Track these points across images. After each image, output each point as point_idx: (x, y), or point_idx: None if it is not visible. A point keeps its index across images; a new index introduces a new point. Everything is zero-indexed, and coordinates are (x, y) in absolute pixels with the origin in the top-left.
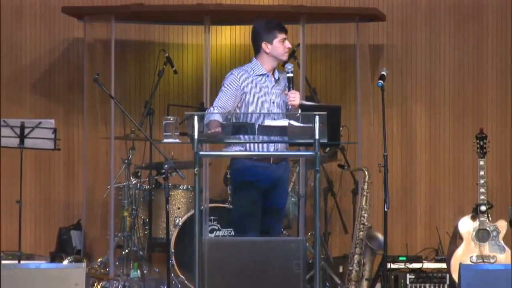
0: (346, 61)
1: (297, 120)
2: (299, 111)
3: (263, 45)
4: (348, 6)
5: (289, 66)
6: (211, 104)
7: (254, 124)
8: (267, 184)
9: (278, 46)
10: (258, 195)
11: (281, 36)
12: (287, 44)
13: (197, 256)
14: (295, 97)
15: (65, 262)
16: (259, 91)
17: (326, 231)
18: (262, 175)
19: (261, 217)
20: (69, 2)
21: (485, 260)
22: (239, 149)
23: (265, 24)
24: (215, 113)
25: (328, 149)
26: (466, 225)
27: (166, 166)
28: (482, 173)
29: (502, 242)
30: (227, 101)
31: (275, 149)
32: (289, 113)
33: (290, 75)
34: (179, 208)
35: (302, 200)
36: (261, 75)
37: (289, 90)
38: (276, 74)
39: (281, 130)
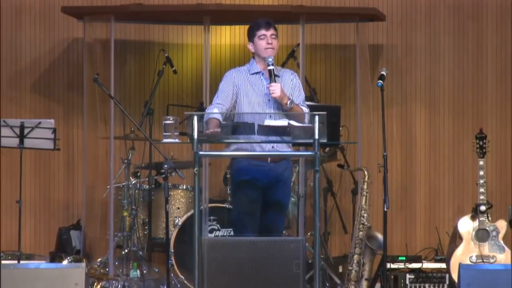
0: (346, 61)
1: (293, 118)
2: (288, 104)
3: (249, 46)
4: (347, 6)
5: (269, 59)
6: (211, 103)
7: (253, 124)
8: (266, 182)
9: (259, 43)
10: (256, 194)
11: (260, 32)
12: (268, 39)
13: (196, 256)
14: (274, 90)
15: (65, 262)
16: (252, 89)
17: (326, 231)
18: (259, 174)
19: (263, 213)
20: (69, 2)
21: (484, 260)
22: (237, 148)
23: (250, 25)
24: (214, 112)
25: (327, 149)
26: (466, 225)
27: (165, 166)
28: (481, 173)
29: (501, 242)
30: (225, 97)
31: (271, 146)
32: (281, 112)
33: (271, 67)
34: (178, 208)
35: (301, 200)
36: (255, 73)
37: (270, 82)
38: (275, 72)
39: (281, 130)
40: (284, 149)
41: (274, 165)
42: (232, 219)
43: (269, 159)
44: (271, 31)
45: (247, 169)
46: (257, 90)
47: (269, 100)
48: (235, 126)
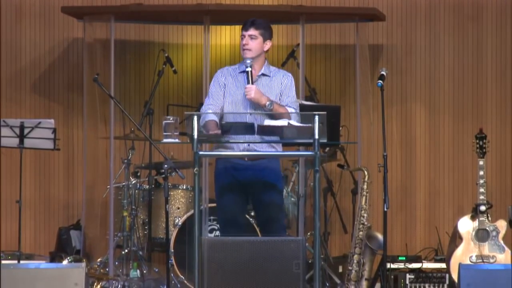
0: (346, 61)
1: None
2: (267, 105)
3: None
4: (347, 6)
5: (247, 61)
6: (203, 105)
7: (253, 124)
8: (242, 180)
9: (240, 43)
10: (235, 194)
11: (242, 32)
12: (244, 40)
13: (196, 256)
14: (248, 91)
15: (65, 262)
16: (235, 87)
17: (326, 231)
18: (236, 172)
19: (257, 215)
20: (69, 2)
21: (484, 260)
22: (218, 146)
23: None
24: (209, 113)
25: (327, 149)
26: (466, 225)
27: (165, 166)
28: (481, 173)
29: (501, 242)
30: (216, 98)
31: (248, 145)
32: (259, 112)
33: (248, 69)
34: (178, 208)
35: (301, 200)
36: (242, 72)
37: (247, 84)
38: (263, 71)
39: (281, 130)
40: (263, 149)
41: (251, 163)
42: (218, 220)
43: (246, 158)
44: (250, 31)
45: (225, 168)
46: (241, 88)
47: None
48: (235, 126)
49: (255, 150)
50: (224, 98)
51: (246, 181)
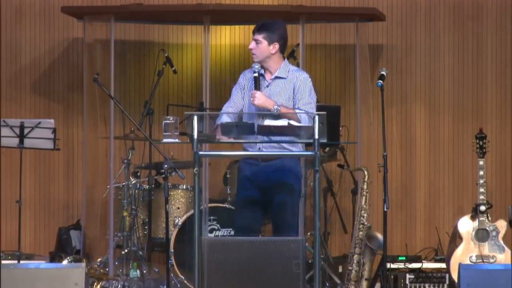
0: (346, 61)
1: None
2: (274, 110)
3: None
4: (347, 6)
5: (255, 66)
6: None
7: (253, 124)
8: (255, 180)
9: None
10: (250, 192)
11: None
12: (250, 45)
13: (196, 256)
14: (253, 99)
15: (65, 262)
16: (249, 90)
17: (326, 231)
18: (250, 172)
19: (271, 214)
20: (69, 2)
21: (484, 260)
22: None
23: None
24: (223, 115)
25: (327, 149)
26: (466, 225)
27: (165, 166)
28: (481, 173)
29: (501, 242)
30: (234, 100)
31: (258, 148)
32: (267, 112)
33: (255, 75)
34: (178, 208)
35: (301, 200)
36: (260, 74)
37: (255, 89)
38: (277, 73)
39: (281, 130)
40: (272, 150)
41: (264, 165)
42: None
43: (259, 158)
44: (255, 36)
45: (243, 168)
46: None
47: None
48: (235, 126)
49: (263, 151)
50: (243, 100)
51: (258, 182)
